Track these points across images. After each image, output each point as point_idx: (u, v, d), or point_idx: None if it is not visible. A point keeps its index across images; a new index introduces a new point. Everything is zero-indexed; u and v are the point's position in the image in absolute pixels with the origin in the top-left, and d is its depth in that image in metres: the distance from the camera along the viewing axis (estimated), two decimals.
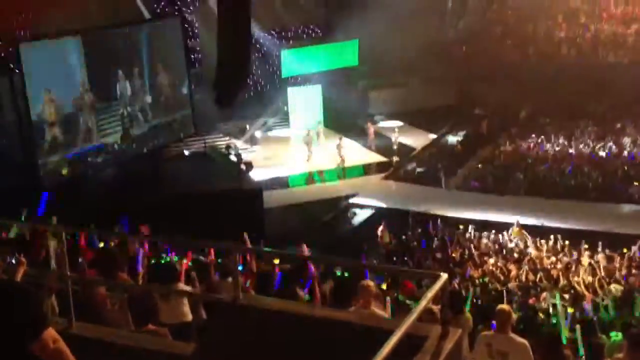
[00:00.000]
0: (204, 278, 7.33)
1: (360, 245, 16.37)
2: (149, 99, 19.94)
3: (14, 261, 5.47)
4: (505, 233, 15.91)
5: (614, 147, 23.18)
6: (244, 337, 4.14)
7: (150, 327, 5.45)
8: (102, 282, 5.70)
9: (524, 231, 15.80)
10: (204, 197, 17.29)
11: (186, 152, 21.93)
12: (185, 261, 7.93)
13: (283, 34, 28.27)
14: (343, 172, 22.55)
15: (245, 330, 4.25)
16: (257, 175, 20.75)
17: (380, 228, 17.09)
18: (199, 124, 22.89)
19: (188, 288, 5.84)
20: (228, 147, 23.11)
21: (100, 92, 18.24)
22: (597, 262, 13.59)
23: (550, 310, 10.65)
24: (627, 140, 23.76)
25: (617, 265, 13.31)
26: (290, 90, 26.71)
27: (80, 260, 7.12)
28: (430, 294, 3.64)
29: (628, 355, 5.67)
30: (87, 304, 5.43)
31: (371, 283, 5.69)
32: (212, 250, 7.92)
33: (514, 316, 6.36)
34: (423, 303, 3.47)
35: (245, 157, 22.09)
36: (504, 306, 6.18)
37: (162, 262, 7.60)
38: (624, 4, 30.18)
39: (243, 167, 20.19)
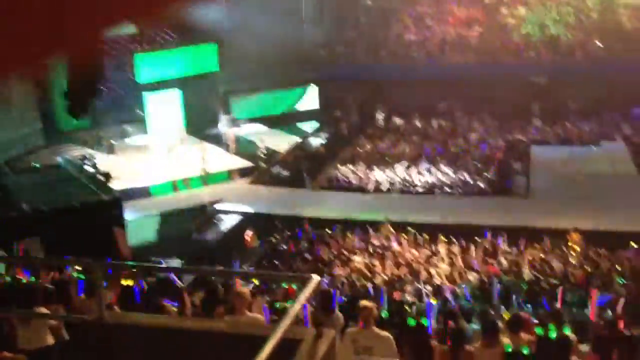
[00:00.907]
0: (66, 297, 6.92)
1: (229, 252, 16.20)
2: None
3: None
4: (370, 230, 16.37)
5: (463, 142, 24.67)
6: (112, 357, 3.94)
7: (6, 354, 5.05)
8: None
9: (390, 227, 16.34)
10: (60, 211, 16.34)
11: (37, 165, 20.64)
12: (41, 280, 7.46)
13: (137, 37, 27.37)
14: (206, 179, 22.21)
15: (112, 349, 4.04)
16: (116, 185, 19.94)
17: (248, 233, 17.02)
18: (51, 134, 21.62)
19: (45, 310, 5.48)
20: (83, 157, 22.03)
21: None
22: (454, 253, 14.38)
23: (415, 302, 11.12)
24: (474, 136, 25.38)
25: (473, 255, 14.14)
26: (147, 96, 25.93)
27: None
28: (303, 296, 3.65)
29: (482, 341, 6.03)
30: None
31: (245, 289, 5.63)
32: (72, 268, 7.50)
33: (376, 311, 6.53)
34: (297, 306, 3.47)
35: (103, 167, 21.16)
36: (366, 302, 6.34)
37: (18, 283, 7.08)
38: (466, 7, 32.14)
39: (100, 177, 19.33)
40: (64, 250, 9.41)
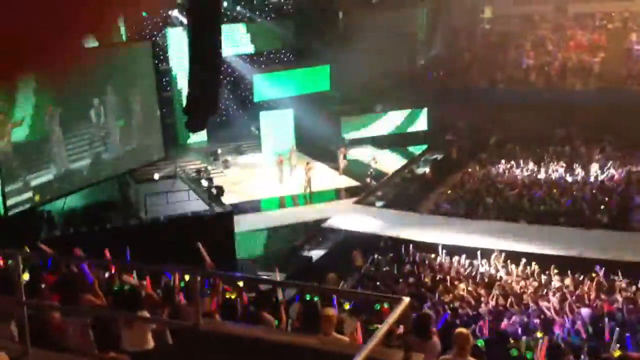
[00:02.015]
0: (170, 301, 7.21)
1: (333, 270, 16.27)
2: (120, 122, 19.75)
3: None
4: (479, 258, 15.94)
5: (582, 172, 23.55)
6: None
7: (112, 354, 5.31)
8: (59, 308, 5.57)
9: (501, 258, 15.83)
10: (175, 221, 17.14)
11: (156, 177, 21.72)
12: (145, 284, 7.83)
13: (255, 58, 28.38)
14: (311, 197, 22.55)
15: (206, 357, 4.16)
16: (228, 199, 20.62)
17: (355, 252, 17.05)
18: (171, 148, 22.72)
19: (147, 314, 5.74)
20: (199, 171, 22.96)
21: (70, 116, 17.96)
22: (567, 286, 13.71)
23: (522, 335, 10.68)
24: (595, 166, 24.15)
25: (586, 289, 13.42)
26: (262, 115, 26.74)
27: (42, 285, 6.96)
28: (391, 318, 3.60)
29: None
30: (45, 330, 5.29)
31: (332, 311, 5.63)
32: (177, 274, 7.81)
33: (472, 339, 6.32)
34: (384, 328, 3.43)
35: (217, 181, 21.96)
36: (462, 330, 6.14)
37: (126, 287, 7.45)
38: (590, 32, 30.93)
39: (214, 191, 20.05)
40: (176, 259, 9.81)
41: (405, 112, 29.21)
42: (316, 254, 18.91)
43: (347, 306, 9.36)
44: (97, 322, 5.64)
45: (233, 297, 8.28)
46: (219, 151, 25.65)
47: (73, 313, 5.64)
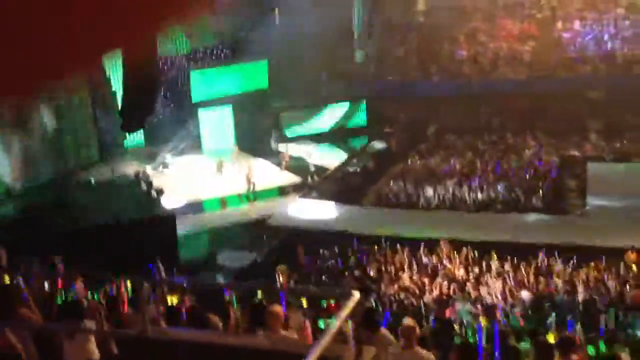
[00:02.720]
0: (115, 311, 7.06)
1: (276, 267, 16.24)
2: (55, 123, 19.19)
3: None
4: (420, 248, 16.16)
5: (516, 159, 24.21)
6: None
7: None
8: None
9: (448, 245, 16.06)
10: (114, 226, 16.76)
11: (92, 180, 21.18)
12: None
13: (192, 55, 27.98)
14: (254, 195, 22.42)
15: None
16: (168, 201, 20.31)
17: (299, 248, 17.06)
18: (107, 150, 22.20)
19: (92, 325, 5.59)
20: (137, 173, 22.52)
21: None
22: (507, 271, 14.08)
23: (464, 321, 10.92)
24: (527, 153, 24.89)
25: (525, 273, 13.81)
26: (201, 113, 26.42)
27: None
28: (343, 313, 3.62)
29: None
30: None
31: (278, 308, 5.61)
32: (122, 283, 7.65)
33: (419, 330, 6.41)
34: (337, 323, 3.45)
35: (156, 183, 21.58)
36: (408, 321, 6.21)
37: (65, 298, 7.26)
38: (519, 21, 31.74)
39: (154, 193, 19.72)
40: (118, 265, 9.61)
41: (344, 107, 29.39)
42: (259, 253, 18.84)
43: (305, 302, 9.32)
44: (38, 334, 5.48)
45: (176, 302, 8.19)
46: (157, 152, 25.20)
47: (11, 326, 5.45)
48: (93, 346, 5.33)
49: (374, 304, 11.67)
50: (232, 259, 18.14)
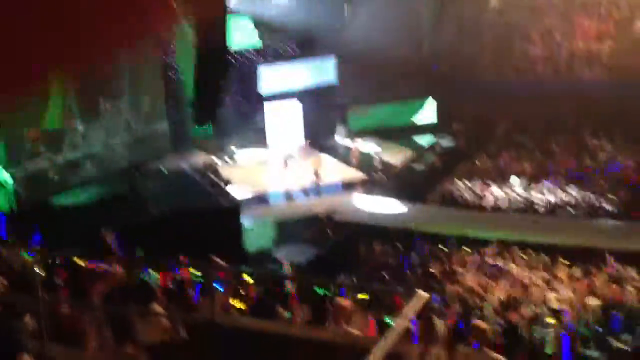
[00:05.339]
0: (184, 296, 7.24)
1: (341, 262, 16.32)
2: (129, 115, 19.83)
3: None
4: (485, 248, 15.90)
5: (591, 163, 23.46)
6: (221, 357, 4.08)
7: (129, 349, 5.34)
8: (74, 303, 5.61)
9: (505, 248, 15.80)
10: (183, 215, 17.18)
11: (164, 170, 21.75)
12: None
13: (261, 51, 28.31)
14: (319, 190, 22.54)
15: (222, 350, 4.18)
16: (235, 192, 20.64)
17: (360, 244, 17.08)
18: (178, 141, 22.72)
19: (160, 309, 5.76)
20: (207, 164, 22.98)
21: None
22: (576, 277, 13.70)
23: (533, 326, 10.69)
24: (603, 156, 24.06)
25: (595, 280, 13.41)
26: (269, 107, 26.71)
27: (56, 280, 7.00)
28: (409, 312, 3.61)
29: None
30: (61, 325, 5.32)
31: (346, 302, 5.62)
32: (189, 269, 7.85)
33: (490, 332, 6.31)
34: (401, 322, 3.44)
35: (223, 174, 21.97)
36: (480, 322, 6.14)
37: (139, 281, 7.49)
38: (597, 21, 30.69)
39: (221, 184, 20.09)
40: (185, 253, 9.85)
41: (412, 104, 29.14)
42: (323, 247, 18.96)
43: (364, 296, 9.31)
44: (111, 315, 5.68)
45: (242, 291, 8.31)
46: (226, 144, 25.65)
47: (87, 308, 5.67)
48: (164, 328, 5.50)
49: (437, 304, 11.56)
50: (296, 252, 18.28)
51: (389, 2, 27.25)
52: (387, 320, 8.27)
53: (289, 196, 22.39)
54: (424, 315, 4.02)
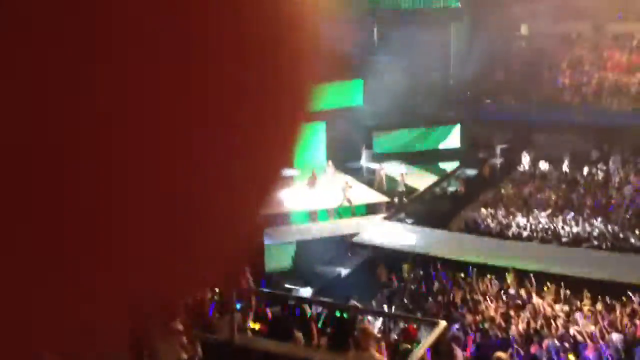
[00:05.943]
0: (201, 315, 7.26)
1: (361, 285, 16.23)
2: None
3: None
4: (510, 279, 15.73)
5: (616, 194, 23.16)
6: None
7: None
8: None
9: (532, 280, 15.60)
10: None
11: None
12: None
13: None
14: (342, 211, 22.53)
15: None
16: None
17: (380, 268, 16.99)
18: None
19: (180, 326, 5.78)
20: None
21: None
22: (599, 311, 13.48)
23: (553, 358, 10.54)
24: (629, 188, 23.73)
25: (619, 314, 13.18)
26: None
27: None
28: (428, 340, 3.60)
29: None
30: None
31: (370, 326, 5.60)
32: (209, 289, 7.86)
33: None
34: (421, 351, 3.43)
35: None
36: (501, 354, 6.08)
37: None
38: (628, 53, 30.51)
39: None
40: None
41: (438, 129, 29.13)
42: (343, 269, 18.91)
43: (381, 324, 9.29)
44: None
45: (260, 312, 8.31)
46: None
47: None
48: (183, 347, 5.52)
49: (457, 332, 11.45)
50: (316, 273, 18.26)
51: (420, 27, 27.37)
52: (401, 346, 8.22)
53: (312, 217, 22.40)
54: (444, 343, 4.01)
